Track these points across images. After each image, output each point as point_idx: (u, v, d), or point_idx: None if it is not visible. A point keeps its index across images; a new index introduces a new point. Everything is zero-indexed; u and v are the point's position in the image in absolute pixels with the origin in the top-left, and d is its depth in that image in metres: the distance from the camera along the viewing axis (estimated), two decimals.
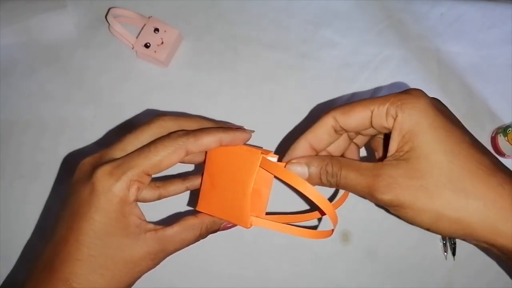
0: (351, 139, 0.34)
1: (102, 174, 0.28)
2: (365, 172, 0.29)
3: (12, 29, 0.48)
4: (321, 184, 0.31)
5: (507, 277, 0.43)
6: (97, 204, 0.28)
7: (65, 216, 0.29)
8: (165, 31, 0.47)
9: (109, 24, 0.47)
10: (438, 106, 0.29)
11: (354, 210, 0.43)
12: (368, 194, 0.29)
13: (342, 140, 0.34)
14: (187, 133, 0.30)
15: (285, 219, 0.36)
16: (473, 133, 0.46)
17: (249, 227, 0.31)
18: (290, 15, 0.50)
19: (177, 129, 0.31)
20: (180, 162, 0.34)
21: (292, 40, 0.49)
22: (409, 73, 0.49)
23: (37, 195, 0.45)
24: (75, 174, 0.30)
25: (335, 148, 0.34)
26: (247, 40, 0.49)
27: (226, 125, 0.33)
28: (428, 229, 0.29)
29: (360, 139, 0.35)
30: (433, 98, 0.30)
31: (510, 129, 0.43)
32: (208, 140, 0.30)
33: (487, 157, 0.28)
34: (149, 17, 0.48)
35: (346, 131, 0.32)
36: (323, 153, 0.34)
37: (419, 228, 0.44)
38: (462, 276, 0.43)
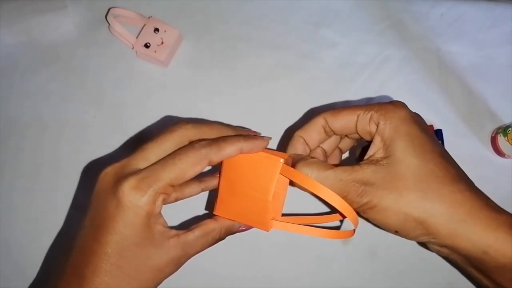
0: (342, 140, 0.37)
1: (128, 188, 0.28)
2: (341, 174, 0.30)
3: (12, 29, 0.48)
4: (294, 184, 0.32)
5: None
6: (124, 218, 0.28)
7: (90, 228, 0.29)
8: (165, 31, 0.47)
9: (109, 24, 0.47)
10: (416, 119, 0.31)
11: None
12: (342, 197, 0.30)
13: (335, 140, 0.36)
14: (209, 143, 0.30)
15: (303, 220, 0.37)
16: (473, 133, 0.47)
17: (269, 231, 0.32)
18: (290, 15, 0.50)
19: (197, 137, 0.31)
20: None
21: (292, 40, 0.49)
22: (409, 73, 0.49)
23: (37, 195, 0.45)
24: (97, 184, 0.30)
25: (328, 146, 0.36)
26: (247, 40, 0.49)
27: (245, 131, 0.34)
28: (396, 232, 0.31)
29: (344, 144, 0.37)
30: (413, 112, 0.32)
31: (510, 129, 0.43)
32: (230, 150, 0.30)
33: (453, 167, 0.31)
34: (149, 17, 0.48)
35: (334, 132, 0.34)
36: (317, 151, 0.35)
37: None
38: (462, 276, 0.43)
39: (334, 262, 0.44)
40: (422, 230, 0.29)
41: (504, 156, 0.46)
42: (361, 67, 0.49)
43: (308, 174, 0.31)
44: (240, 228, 0.34)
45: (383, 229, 0.31)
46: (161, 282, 0.30)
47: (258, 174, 0.31)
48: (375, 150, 0.31)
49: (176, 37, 0.47)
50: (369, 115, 0.31)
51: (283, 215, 0.35)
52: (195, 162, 0.29)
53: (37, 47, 0.49)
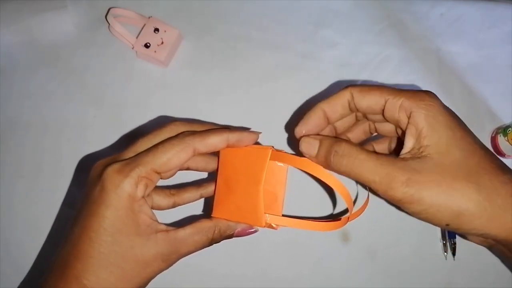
0: (357, 120, 0.35)
1: (111, 171, 0.29)
2: (384, 163, 0.28)
3: (12, 29, 0.48)
4: (327, 165, 0.30)
5: (507, 277, 0.43)
6: (107, 201, 0.28)
7: (79, 216, 0.29)
8: (165, 31, 0.47)
9: (109, 24, 0.47)
10: (449, 110, 0.30)
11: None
12: (384, 186, 0.28)
13: (349, 120, 0.34)
14: (193, 132, 0.31)
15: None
16: None
17: (264, 226, 0.31)
18: (290, 15, 0.50)
19: None
20: (193, 170, 0.34)
21: (292, 40, 0.49)
22: (409, 73, 0.49)
23: (37, 195, 0.45)
24: (89, 176, 0.31)
25: (341, 124, 0.34)
26: (247, 40, 0.49)
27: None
28: (447, 225, 0.28)
29: (356, 135, 0.36)
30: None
31: (510, 129, 0.43)
32: (215, 139, 0.30)
33: (496, 157, 0.29)
34: (149, 17, 0.48)
35: (357, 110, 0.32)
36: (328, 130, 0.34)
37: (419, 228, 0.44)
38: (462, 276, 0.43)
39: (334, 262, 0.44)
40: (478, 224, 0.27)
41: (504, 156, 0.46)
42: (361, 67, 0.49)
43: (348, 154, 0.29)
44: (237, 232, 0.33)
45: (427, 222, 0.29)
46: (150, 278, 0.30)
47: (250, 167, 0.31)
48: (413, 141, 0.29)
49: (176, 37, 0.47)
50: (399, 102, 0.29)
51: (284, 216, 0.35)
52: (180, 149, 0.29)
53: (37, 47, 0.49)
